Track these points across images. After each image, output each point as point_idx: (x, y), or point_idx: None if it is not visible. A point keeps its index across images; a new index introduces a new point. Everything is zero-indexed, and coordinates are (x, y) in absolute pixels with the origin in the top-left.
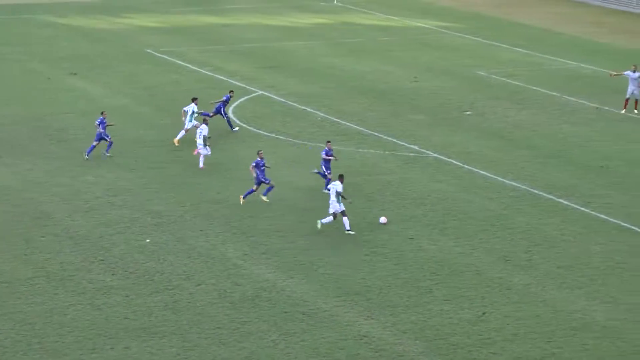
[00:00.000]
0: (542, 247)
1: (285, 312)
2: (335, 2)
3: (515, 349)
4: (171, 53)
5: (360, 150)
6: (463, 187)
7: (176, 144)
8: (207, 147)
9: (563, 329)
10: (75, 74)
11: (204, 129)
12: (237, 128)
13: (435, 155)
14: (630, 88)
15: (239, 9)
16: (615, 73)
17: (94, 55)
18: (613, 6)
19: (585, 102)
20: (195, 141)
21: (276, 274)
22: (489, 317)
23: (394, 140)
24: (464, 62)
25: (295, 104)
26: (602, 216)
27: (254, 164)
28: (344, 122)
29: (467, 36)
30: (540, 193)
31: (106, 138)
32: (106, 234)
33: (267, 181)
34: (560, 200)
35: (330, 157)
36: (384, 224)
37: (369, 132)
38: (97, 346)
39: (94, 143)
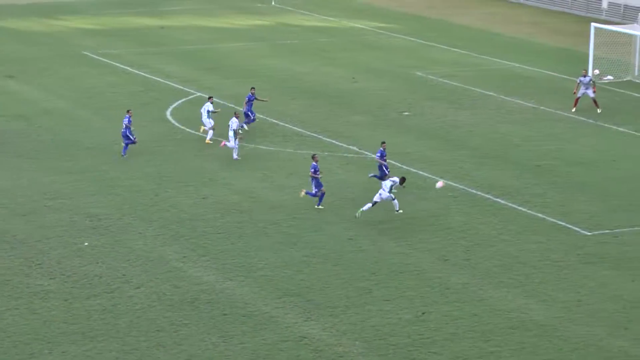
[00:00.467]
0: (481, 247)
1: (225, 314)
2: (273, 3)
3: (454, 348)
4: (109, 55)
5: (299, 151)
6: (401, 188)
7: (207, 142)
8: (237, 140)
9: (501, 328)
10: (11, 76)
11: (234, 122)
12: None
13: (374, 156)
14: (582, 90)
15: (177, 10)
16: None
17: (31, 58)
18: (549, 7)
19: (522, 102)
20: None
21: (216, 276)
22: (428, 317)
23: (333, 141)
24: (402, 63)
25: (233, 105)
26: (539, 215)
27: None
28: (283, 124)
29: (405, 37)
30: (478, 193)
31: (131, 137)
32: (44, 237)
33: (318, 188)
34: (498, 199)
35: (383, 162)
36: (441, 187)
37: (308, 133)
38: (35, 351)
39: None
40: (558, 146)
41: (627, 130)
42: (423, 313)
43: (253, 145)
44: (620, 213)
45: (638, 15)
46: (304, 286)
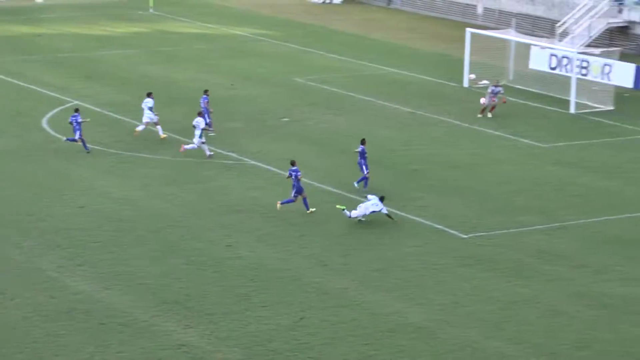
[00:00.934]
0: (359, 251)
1: (102, 324)
2: (151, 11)
3: (333, 352)
4: None
5: (177, 158)
6: (280, 194)
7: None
8: (202, 139)
9: (380, 331)
10: None
11: (200, 122)
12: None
13: (252, 162)
14: (488, 98)
15: (54, 18)
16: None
17: None
18: (426, 13)
19: (399, 107)
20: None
21: (93, 286)
22: (307, 322)
23: (212, 147)
24: (281, 69)
25: (111, 113)
26: (417, 219)
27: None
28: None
29: (284, 43)
30: (357, 197)
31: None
32: None
33: (300, 193)
34: None
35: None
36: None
37: (188, 139)
38: None
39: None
40: (435, 150)
41: (502, 134)
42: (301, 318)
43: (131, 153)
44: (495, 216)
45: (512, 20)
46: (183, 294)
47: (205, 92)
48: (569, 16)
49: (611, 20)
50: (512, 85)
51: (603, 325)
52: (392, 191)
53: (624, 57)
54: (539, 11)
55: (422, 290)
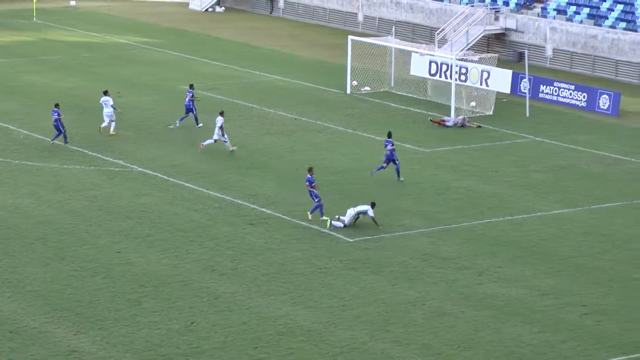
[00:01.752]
0: (248, 256)
1: None
2: (34, 19)
3: (224, 356)
4: None
5: (65, 166)
6: (169, 200)
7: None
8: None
9: (269, 335)
10: None
11: (219, 120)
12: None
13: (140, 169)
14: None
15: None
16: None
17: None
18: (307, 20)
19: (283, 113)
20: None
21: None
22: (198, 327)
23: (99, 155)
24: (166, 77)
25: None
26: (303, 224)
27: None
28: (48, 139)
29: (168, 51)
30: (244, 203)
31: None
32: None
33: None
34: (263, 209)
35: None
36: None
37: (74, 148)
38: None
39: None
40: (319, 155)
41: (384, 139)
42: (192, 323)
43: (18, 161)
44: (380, 219)
45: (392, 27)
46: (74, 300)
47: (191, 86)
48: (447, 23)
49: (488, 28)
50: (393, 91)
51: (486, 326)
52: (280, 196)
53: (501, 64)
54: (418, 19)
55: (311, 294)
